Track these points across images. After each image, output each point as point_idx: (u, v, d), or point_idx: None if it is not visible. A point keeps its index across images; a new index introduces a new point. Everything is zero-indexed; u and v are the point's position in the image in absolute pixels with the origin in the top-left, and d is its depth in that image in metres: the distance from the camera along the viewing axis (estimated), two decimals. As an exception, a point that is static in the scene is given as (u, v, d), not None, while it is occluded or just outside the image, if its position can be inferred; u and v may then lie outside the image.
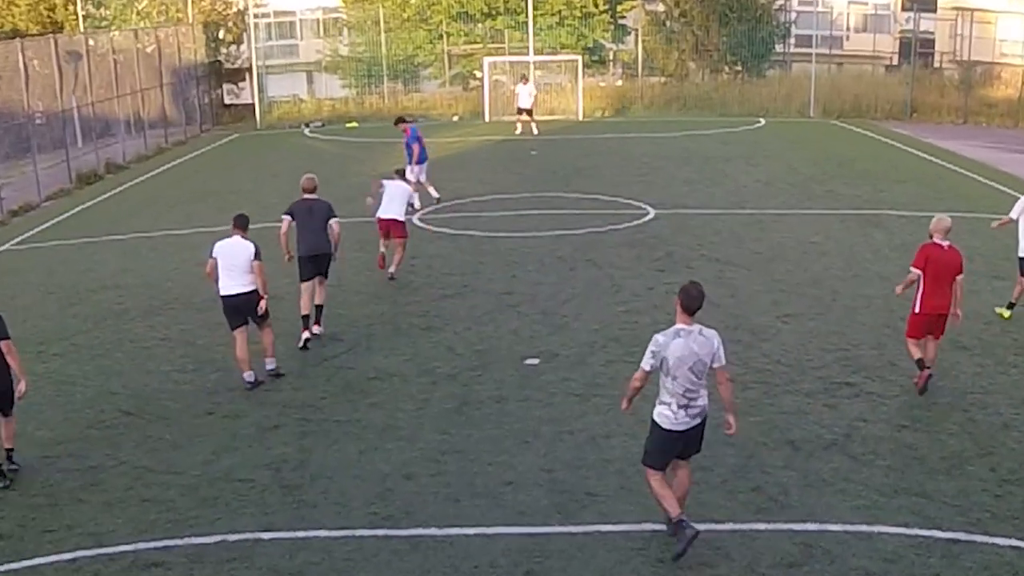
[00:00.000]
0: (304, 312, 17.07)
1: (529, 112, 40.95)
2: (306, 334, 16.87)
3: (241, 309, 15.26)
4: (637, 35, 54.50)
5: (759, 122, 44.59)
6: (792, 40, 56.00)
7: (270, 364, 15.59)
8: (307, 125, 47.06)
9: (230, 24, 52.30)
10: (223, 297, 15.31)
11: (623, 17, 54.97)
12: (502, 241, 23.21)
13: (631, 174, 31.47)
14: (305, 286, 17.29)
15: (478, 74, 50.61)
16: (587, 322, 17.64)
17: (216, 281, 15.29)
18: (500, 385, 14.96)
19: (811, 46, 50.84)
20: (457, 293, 19.58)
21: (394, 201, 20.67)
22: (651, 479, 10.67)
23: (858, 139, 39.56)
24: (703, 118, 46.07)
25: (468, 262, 21.81)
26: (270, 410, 14.33)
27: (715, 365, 10.55)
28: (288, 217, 17.78)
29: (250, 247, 15.43)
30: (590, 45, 52.29)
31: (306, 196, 17.87)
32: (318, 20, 62.94)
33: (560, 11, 50.96)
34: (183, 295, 19.96)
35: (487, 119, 46.17)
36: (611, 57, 55.87)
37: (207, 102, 49.18)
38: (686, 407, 10.51)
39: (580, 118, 46.63)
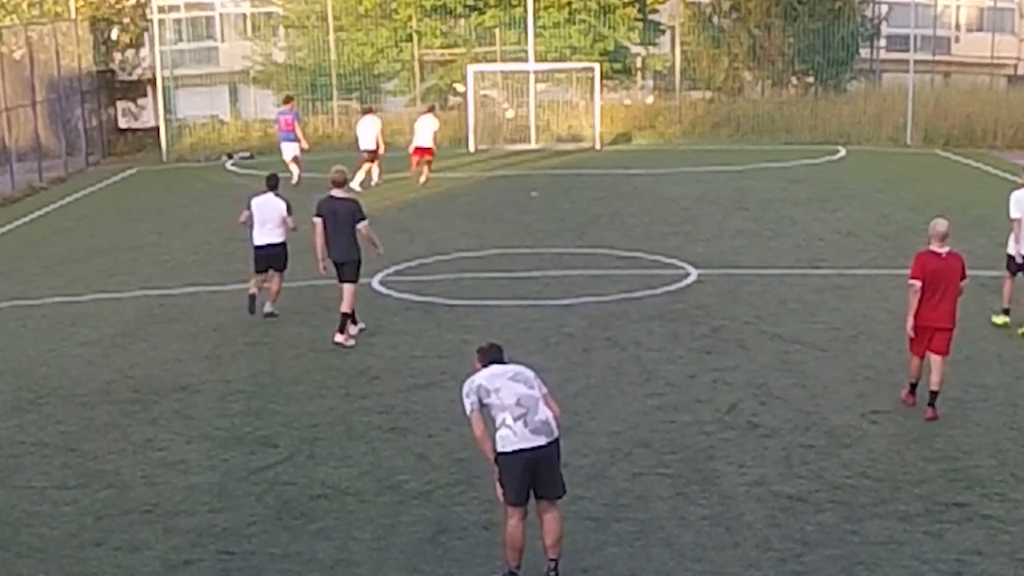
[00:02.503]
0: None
1: None
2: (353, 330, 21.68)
3: (269, 258, 23.21)
4: (674, 35, 54.62)
5: (839, 152, 44.85)
6: (883, 42, 56.33)
7: (269, 307, 23.25)
8: (230, 156, 47.21)
9: (126, 21, 52.32)
10: (256, 247, 23.27)
11: (655, 12, 55.14)
12: (493, 312, 23.35)
13: (666, 223, 31.63)
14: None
15: (460, 88, 50.80)
16: (606, 422, 17.67)
17: (250, 231, 23.31)
18: (489, 507, 14.87)
19: (908, 50, 50.79)
20: (432, 382, 19.65)
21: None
22: (507, 521, 12.69)
23: (971, 175, 39.76)
24: (762, 147, 46.34)
25: (447, 340, 21.89)
26: (180, 539, 14.28)
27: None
28: (319, 220, 21.60)
29: (282, 204, 23.39)
30: (611, 49, 52.32)
31: (333, 194, 21.93)
32: (244, 16, 63.41)
33: (571, 3, 51.06)
34: (63, 386, 20.02)
35: (472, 148, 46.32)
36: (639, 65, 56.09)
37: (95, 126, 49.21)
38: (524, 418, 12.46)
39: (598, 147, 46.87)
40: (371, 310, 23.79)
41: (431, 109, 41.01)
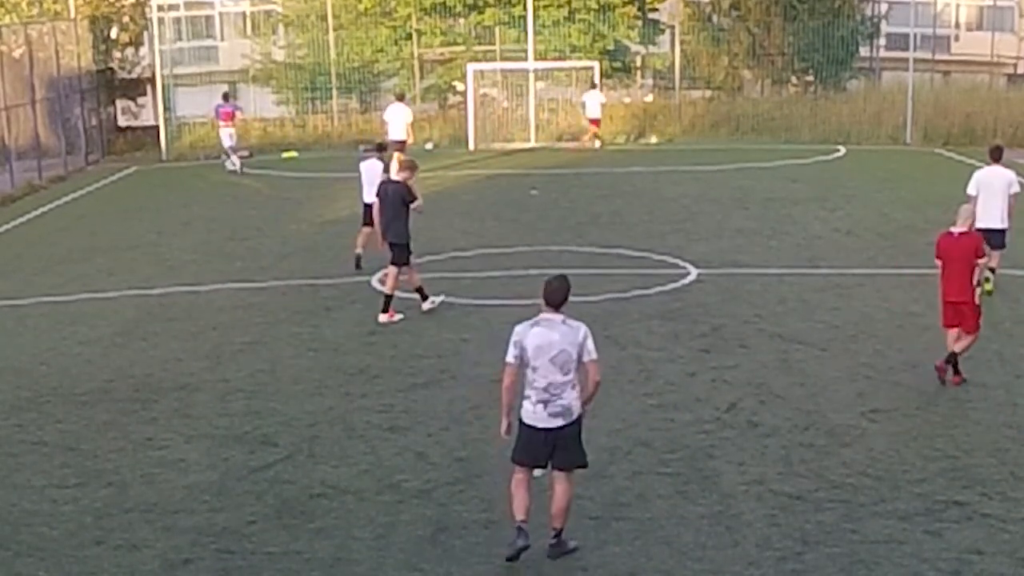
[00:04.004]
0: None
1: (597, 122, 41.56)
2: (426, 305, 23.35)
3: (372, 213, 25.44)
4: (674, 34, 54.63)
5: (838, 151, 44.86)
6: (882, 41, 56.37)
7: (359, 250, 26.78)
8: (229, 155, 47.09)
9: (126, 20, 52.25)
10: (365, 204, 26.41)
11: (654, 10, 55.15)
12: (492, 311, 23.31)
13: (666, 221, 31.64)
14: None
15: (460, 86, 50.80)
16: (606, 420, 17.57)
17: (359, 189, 27.39)
18: (489, 505, 14.91)
19: (908, 49, 50.76)
20: (432, 381, 19.68)
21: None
22: (513, 476, 13.21)
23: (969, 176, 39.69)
24: (762, 146, 46.36)
25: (446, 340, 21.91)
26: (180, 538, 14.27)
27: (585, 359, 12.86)
28: (377, 200, 23.62)
29: (380, 166, 26.47)
30: (611, 48, 52.38)
31: (392, 176, 24.19)
32: (244, 14, 63.41)
33: (570, 2, 51.03)
34: (62, 385, 20.02)
35: (472, 147, 46.36)
36: (639, 64, 56.11)
37: (95, 124, 49.15)
38: (546, 403, 12.82)
39: (597, 145, 46.83)
40: (370, 308, 23.78)
41: (401, 98, 40.60)
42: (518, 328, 13.10)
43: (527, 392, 12.94)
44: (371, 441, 17.09)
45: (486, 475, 15.85)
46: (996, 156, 24.61)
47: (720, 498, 15.03)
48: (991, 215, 23.38)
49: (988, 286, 22.73)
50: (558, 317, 12.97)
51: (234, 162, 42.96)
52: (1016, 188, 23.99)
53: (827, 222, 31.67)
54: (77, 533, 14.52)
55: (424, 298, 23.34)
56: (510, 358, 12.99)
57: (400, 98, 40.04)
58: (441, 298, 23.49)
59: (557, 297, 13.08)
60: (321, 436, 17.44)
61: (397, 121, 38.35)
